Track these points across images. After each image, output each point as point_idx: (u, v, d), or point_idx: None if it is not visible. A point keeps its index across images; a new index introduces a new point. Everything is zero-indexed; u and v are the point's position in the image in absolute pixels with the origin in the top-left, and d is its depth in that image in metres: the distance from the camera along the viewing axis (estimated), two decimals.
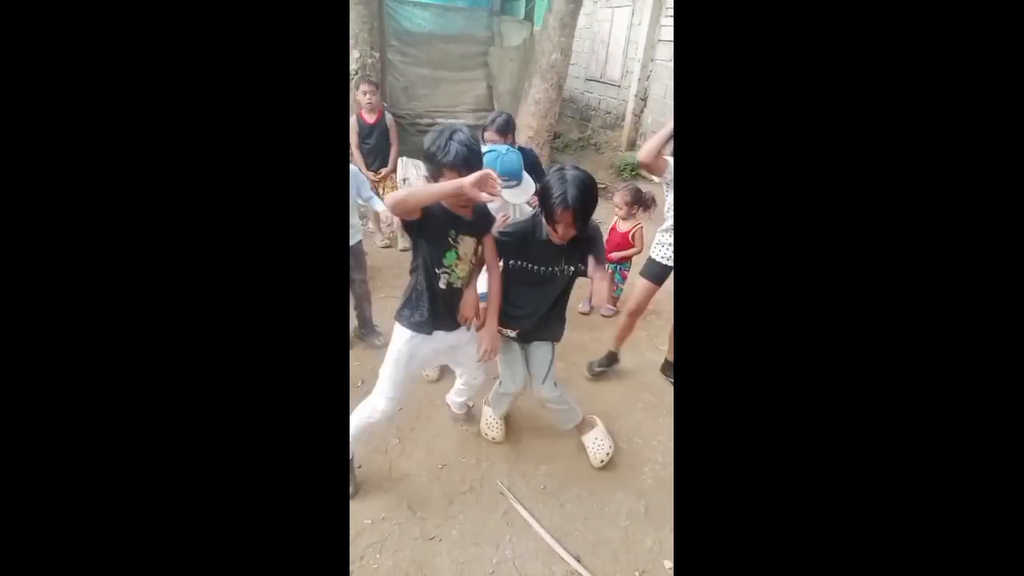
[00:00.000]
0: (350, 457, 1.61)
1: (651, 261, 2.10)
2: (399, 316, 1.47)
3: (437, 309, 1.44)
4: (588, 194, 1.38)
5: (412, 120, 4.78)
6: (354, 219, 2.18)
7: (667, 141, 1.78)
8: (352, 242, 2.15)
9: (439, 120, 4.89)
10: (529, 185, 1.99)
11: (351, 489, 1.62)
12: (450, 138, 1.26)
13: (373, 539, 1.51)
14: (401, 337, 1.47)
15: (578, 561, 1.49)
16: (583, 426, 1.86)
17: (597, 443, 1.83)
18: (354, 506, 1.58)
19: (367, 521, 1.56)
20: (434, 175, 1.30)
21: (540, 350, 1.70)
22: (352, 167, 2.15)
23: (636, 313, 2.19)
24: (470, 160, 1.26)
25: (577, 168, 1.41)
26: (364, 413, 1.53)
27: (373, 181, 3.02)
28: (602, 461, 1.80)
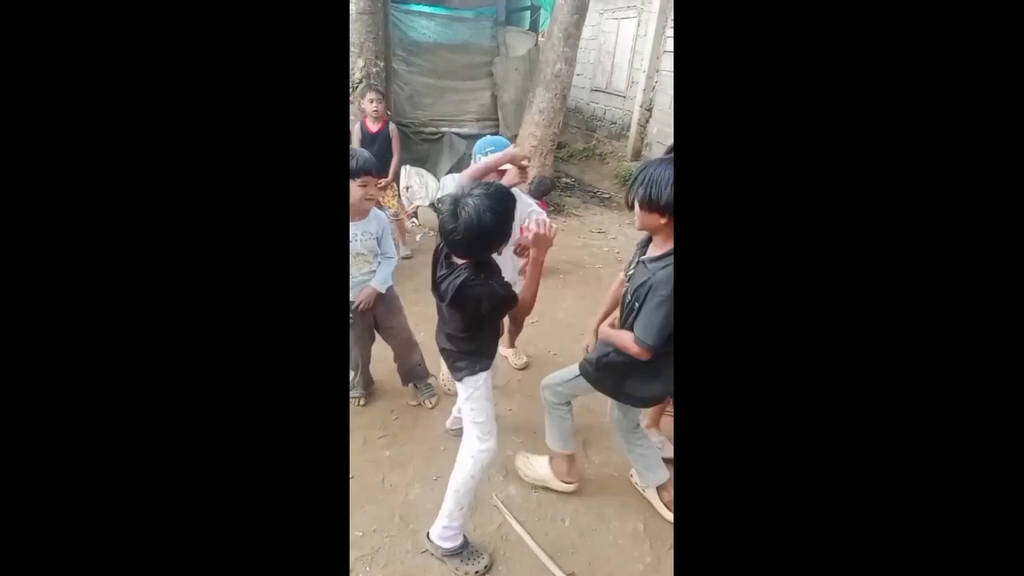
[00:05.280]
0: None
1: None
2: (464, 373, 1.37)
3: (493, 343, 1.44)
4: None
5: (416, 129, 4.81)
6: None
7: None
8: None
9: (443, 129, 4.91)
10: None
11: (486, 563, 1.48)
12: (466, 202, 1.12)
13: (363, 552, 1.48)
14: (477, 383, 1.38)
15: None
16: (558, 463, 1.74)
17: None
18: None
19: (358, 533, 1.53)
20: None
21: None
22: (376, 212, 1.83)
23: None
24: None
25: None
26: (480, 462, 1.41)
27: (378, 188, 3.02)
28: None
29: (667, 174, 1.16)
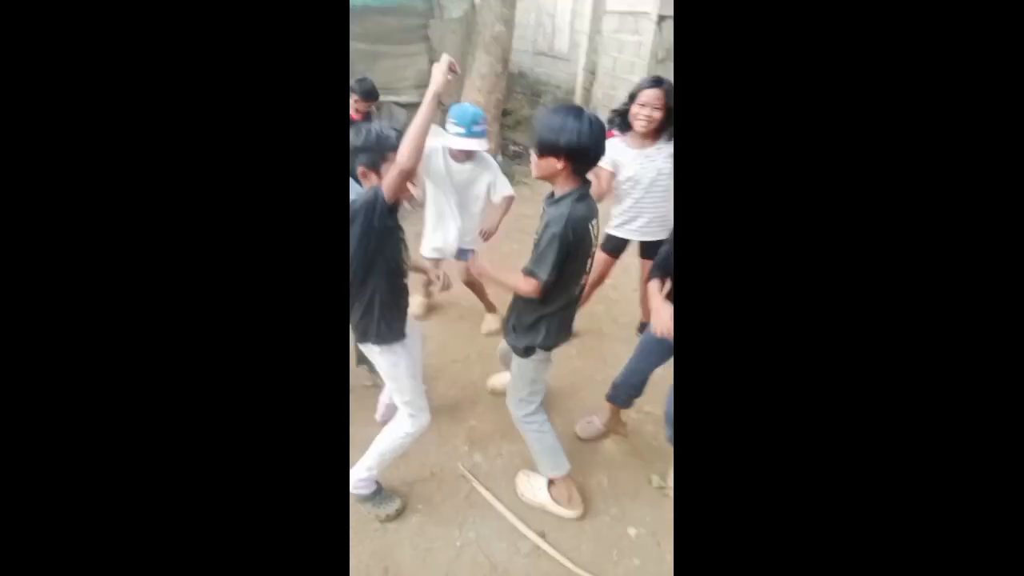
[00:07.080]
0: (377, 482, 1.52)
1: (607, 236, 2.16)
2: (377, 340, 1.32)
3: (403, 306, 1.37)
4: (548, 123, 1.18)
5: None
6: None
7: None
8: None
9: (380, 99, 4.65)
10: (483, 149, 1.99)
11: (397, 507, 1.52)
12: (378, 128, 1.26)
13: None
14: (394, 353, 1.36)
15: (543, 537, 1.48)
16: (559, 489, 1.56)
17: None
18: None
19: None
20: (375, 165, 1.25)
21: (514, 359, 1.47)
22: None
23: (595, 285, 2.21)
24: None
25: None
26: (396, 437, 1.43)
27: None
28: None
29: (558, 118, 1.18)
